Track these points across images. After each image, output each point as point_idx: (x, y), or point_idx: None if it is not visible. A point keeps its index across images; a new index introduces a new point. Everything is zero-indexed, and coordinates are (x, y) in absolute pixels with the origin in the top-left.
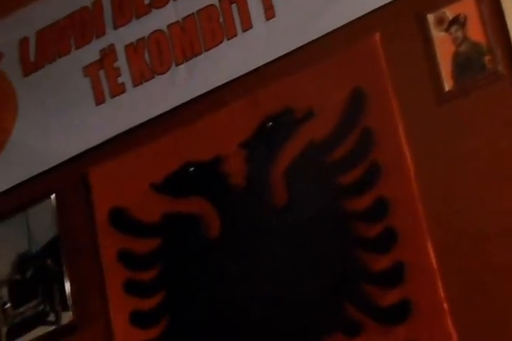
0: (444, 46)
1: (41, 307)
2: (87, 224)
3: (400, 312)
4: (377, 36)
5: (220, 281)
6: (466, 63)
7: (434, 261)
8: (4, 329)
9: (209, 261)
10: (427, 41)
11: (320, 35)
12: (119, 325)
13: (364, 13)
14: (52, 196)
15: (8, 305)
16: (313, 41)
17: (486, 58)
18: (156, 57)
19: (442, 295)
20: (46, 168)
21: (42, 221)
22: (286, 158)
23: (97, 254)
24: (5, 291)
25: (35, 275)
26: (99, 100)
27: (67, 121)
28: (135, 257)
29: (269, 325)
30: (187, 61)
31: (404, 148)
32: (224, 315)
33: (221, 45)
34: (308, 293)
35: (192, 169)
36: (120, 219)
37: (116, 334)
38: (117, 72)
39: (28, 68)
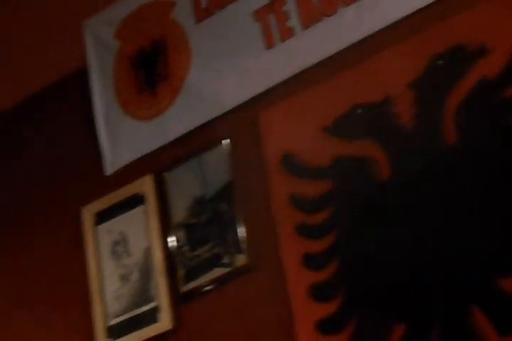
0: None
1: (216, 250)
2: (260, 168)
3: None
4: None
5: (389, 223)
6: None
7: None
8: (182, 271)
9: (379, 203)
10: None
11: None
12: (291, 266)
13: None
14: (226, 141)
15: (186, 247)
16: None
17: None
18: None
19: None
20: (219, 113)
21: (216, 166)
22: (457, 97)
23: (269, 198)
24: (182, 234)
25: (210, 219)
26: (269, 44)
27: (238, 66)
28: (306, 200)
29: (442, 267)
30: (355, 2)
31: None
32: (394, 256)
33: None
34: (482, 234)
35: (360, 111)
36: (291, 163)
37: (288, 275)
38: (286, 16)
39: (201, 15)
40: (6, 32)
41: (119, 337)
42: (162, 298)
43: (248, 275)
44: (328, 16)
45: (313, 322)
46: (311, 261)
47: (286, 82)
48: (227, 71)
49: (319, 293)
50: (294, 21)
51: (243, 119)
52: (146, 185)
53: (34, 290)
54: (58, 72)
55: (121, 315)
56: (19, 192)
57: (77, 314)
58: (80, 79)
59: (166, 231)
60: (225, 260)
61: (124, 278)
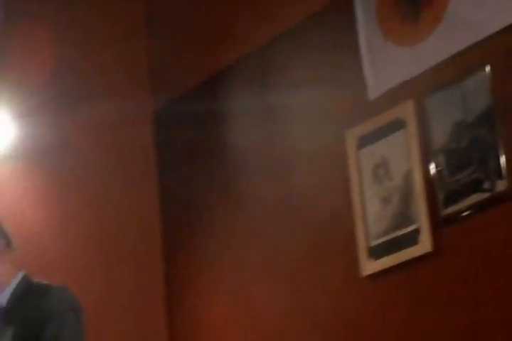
0: None
1: (476, 175)
2: None
3: None
4: None
5: None
6: None
7: None
8: (442, 195)
9: None
10: None
11: None
12: None
13: None
14: (487, 66)
15: (445, 172)
16: None
17: None
18: None
19: None
20: (480, 38)
21: (476, 91)
22: None
23: None
24: (441, 159)
25: (470, 144)
26: None
27: None
28: None
29: None
30: None
31: None
32: None
33: None
34: None
35: None
36: None
37: None
38: None
39: None
40: None
41: (380, 257)
42: (422, 221)
43: (508, 201)
44: None
45: None
46: None
47: None
48: None
49: None
50: None
51: (505, 45)
52: (407, 110)
53: (294, 214)
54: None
55: (383, 236)
56: (291, 124)
57: (342, 235)
58: (344, 7)
59: (425, 156)
60: (485, 185)
61: (385, 200)
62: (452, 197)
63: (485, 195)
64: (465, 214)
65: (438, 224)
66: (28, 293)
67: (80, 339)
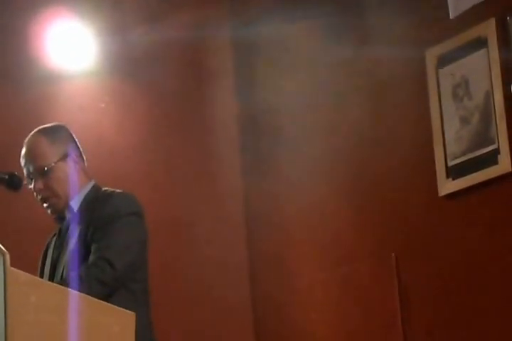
0: None
1: None
2: None
3: None
4: None
5: None
6: None
7: None
8: None
9: None
10: None
11: None
12: None
13: None
14: None
15: None
16: None
17: None
18: None
19: None
20: None
21: None
22: None
23: None
24: None
25: None
26: None
27: None
28: None
29: None
30: None
31: None
32: None
33: None
34: None
35: None
36: None
37: None
38: None
39: None
40: None
41: (458, 177)
42: (502, 141)
43: None
44: None
45: None
46: None
47: None
48: None
49: None
50: None
51: None
52: (488, 29)
53: (374, 131)
54: None
55: (461, 156)
56: (369, 42)
57: (419, 154)
58: None
59: (507, 75)
60: None
61: (464, 120)
62: None
63: None
64: None
65: None
66: (96, 200)
67: (140, 242)
